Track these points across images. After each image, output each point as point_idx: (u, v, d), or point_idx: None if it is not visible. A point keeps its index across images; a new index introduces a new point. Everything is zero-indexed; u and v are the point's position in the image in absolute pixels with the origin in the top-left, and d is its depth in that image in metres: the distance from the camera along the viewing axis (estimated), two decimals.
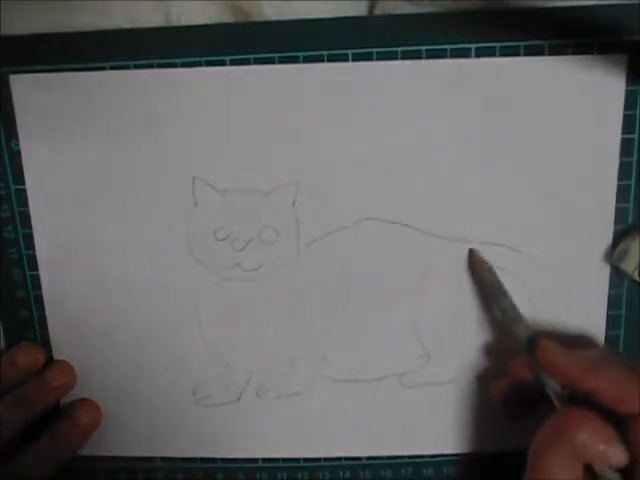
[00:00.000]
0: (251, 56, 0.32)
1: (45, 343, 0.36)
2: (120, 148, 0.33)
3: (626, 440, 0.27)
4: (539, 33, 0.31)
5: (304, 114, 0.33)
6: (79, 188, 0.34)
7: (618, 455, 0.27)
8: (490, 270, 0.33)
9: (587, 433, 0.27)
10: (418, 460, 0.37)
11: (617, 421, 0.27)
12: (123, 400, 0.37)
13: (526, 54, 0.32)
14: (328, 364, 0.35)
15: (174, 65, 0.32)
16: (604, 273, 0.34)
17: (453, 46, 0.32)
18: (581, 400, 0.28)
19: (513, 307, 0.32)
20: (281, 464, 0.37)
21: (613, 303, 0.34)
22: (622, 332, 0.35)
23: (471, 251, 0.33)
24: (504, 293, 0.32)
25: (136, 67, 0.32)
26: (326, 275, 0.34)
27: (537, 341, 0.30)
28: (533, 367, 0.30)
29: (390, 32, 0.32)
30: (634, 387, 0.27)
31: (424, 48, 0.32)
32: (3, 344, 0.36)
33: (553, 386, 0.29)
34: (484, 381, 0.35)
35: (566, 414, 0.28)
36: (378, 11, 0.32)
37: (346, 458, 0.37)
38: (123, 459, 0.38)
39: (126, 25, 0.32)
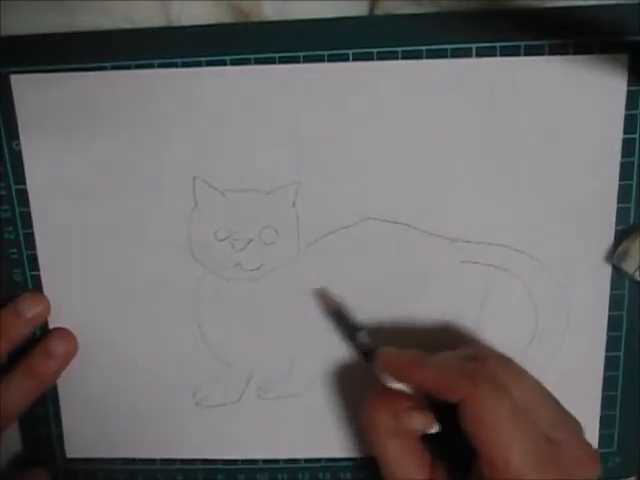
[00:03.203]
0: (251, 56, 0.32)
1: None
2: (121, 148, 0.34)
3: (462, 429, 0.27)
4: (539, 33, 0.31)
5: (304, 114, 0.33)
6: (80, 188, 0.34)
7: (416, 422, 0.28)
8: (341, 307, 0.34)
9: (380, 412, 0.29)
10: None
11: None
12: (123, 401, 0.37)
13: (526, 54, 0.32)
14: (328, 364, 0.35)
15: (174, 65, 0.32)
16: (605, 273, 0.34)
17: (453, 46, 0.32)
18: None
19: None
20: (281, 465, 0.37)
21: (614, 304, 0.34)
22: (624, 333, 0.35)
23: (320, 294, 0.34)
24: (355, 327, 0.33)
25: (136, 67, 0.32)
26: (326, 275, 0.34)
27: (375, 348, 0.31)
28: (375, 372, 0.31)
29: (390, 32, 0.32)
30: (452, 375, 0.27)
31: (424, 48, 0.32)
32: None
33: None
34: None
35: (364, 402, 0.30)
36: (378, 11, 0.32)
37: (347, 459, 0.37)
38: (123, 461, 0.38)
39: (126, 25, 0.32)
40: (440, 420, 0.29)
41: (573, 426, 0.28)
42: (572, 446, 0.27)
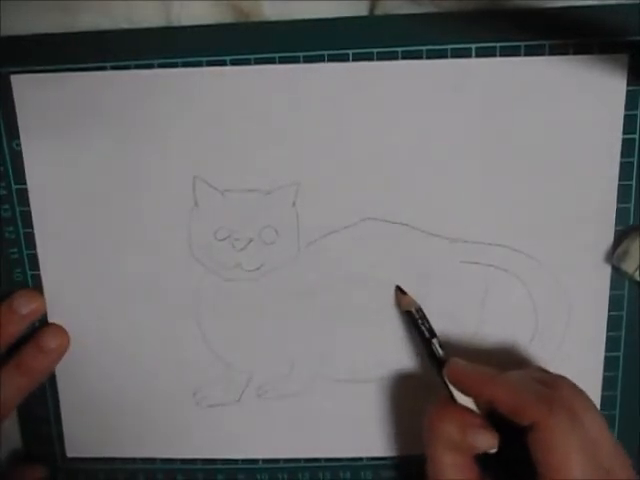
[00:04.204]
0: (251, 56, 0.32)
1: None
2: (121, 148, 0.34)
3: (530, 452, 0.27)
4: (539, 33, 0.31)
5: (304, 114, 0.33)
6: (80, 188, 0.34)
7: (481, 441, 0.29)
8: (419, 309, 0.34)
9: (447, 423, 0.29)
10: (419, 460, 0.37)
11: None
12: (123, 401, 0.37)
13: (526, 54, 0.32)
14: (328, 364, 0.35)
15: (174, 65, 0.32)
16: (605, 274, 0.34)
17: (453, 46, 0.32)
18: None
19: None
20: (281, 465, 0.37)
21: (614, 304, 0.34)
22: (623, 333, 0.35)
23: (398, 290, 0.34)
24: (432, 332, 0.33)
25: (137, 67, 0.32)
26: (326, 275, 0.34)
27: (447, 359, 0.32)
28: (446, 385, 0.31)
29: (390, 32, 0.32)
30: (529, 398, 0.27)
31: (424, 48, 0.32)
32: None
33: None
34: None
35: (430, 410, 0.30)
36: (378, 11, 0.32)
37: (347, 459, 0.37)
38: (123, 460, 0.38)
39: (126, 25, 0.32)
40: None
41: (628, 464, 0.28)
42: (624, 475, 0.27)
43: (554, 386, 0.29)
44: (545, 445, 0.26)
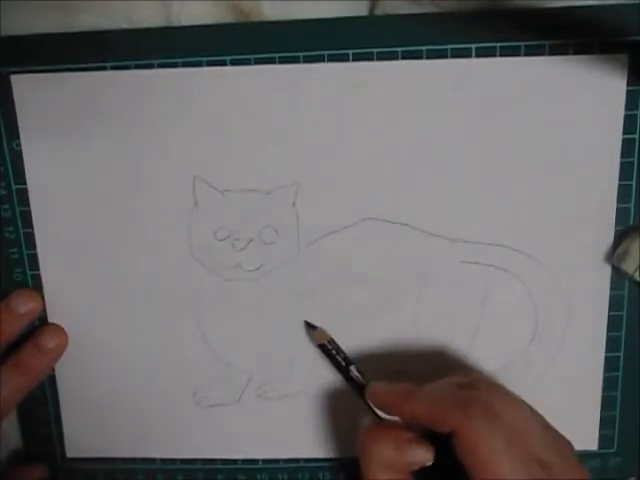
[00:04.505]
0: (251, 56, 0.32)
1: None
2: (121, 148, 0.34)
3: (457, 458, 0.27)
4: (539, 33, 0.31)
5: (304, 114, 0.33)
6: (80, 188, 0.34)
7: (417, 455, 0.28)
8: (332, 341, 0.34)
9: (381, 443, 0.29)
10: None
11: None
12: (123, 401, 0.37)
13: (526, 54, 0.32)
14: (328, 364, 0.35)
15: (174, 65, 0.32)
16: (605, 274, 0.34)
17: (453, 46, 0.32)
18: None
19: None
20: (281, 465, 0.37)
21: (614, 304, 0.34)
22: (623, 333, 0.35)
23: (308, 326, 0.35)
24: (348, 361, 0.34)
25: (137, 67, 0.32)
26: (326, 275, 0.34)
27: (367, 384, 0.32)
28: (371, 408, 0.32)
29: (390, 32, 0.32)
30: (444, 405, 0.27)
31: (424, 48, 0.32)
32: None
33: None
34: None
35: (362, 432, 0.30)
36: (378, 11, 0.32)
37: (346, 459, 0.37)
38: (123, 461, 0.38)
39: (126, 25, 0.32)
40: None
41: (564, 447, 0.28)
42: (564, 468, 0.27)
43: (471, 387, 0.28)
44: (468, 448, 0.26)
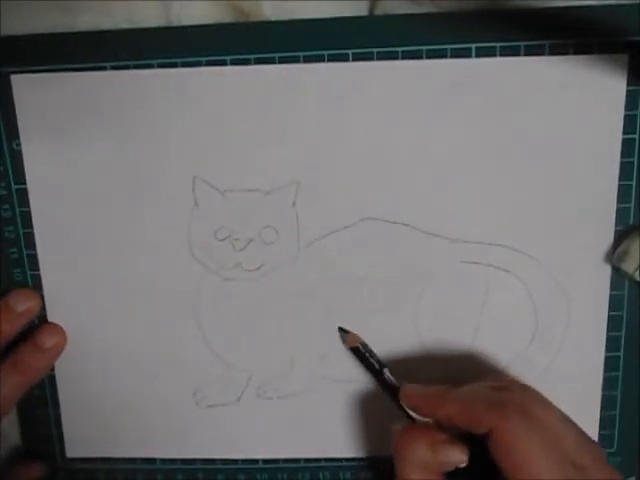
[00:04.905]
0: (251, 56, 0.32)
1: None
2: (121, 148, 0.34)
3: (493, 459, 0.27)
4: (539, 33, 0.31)
5: (304, 114, 0.33)
6: (80, 188, 0.34)
7: (452, 456, 0.29)
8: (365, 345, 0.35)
9: (416, 444, 0.29)
10: None
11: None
12: (123, 401, 0.37)
13: (526, 54, 0.32)
14: (328, 364, 0.35)
15: (174, 65, 0.32)
16: (605, 274, 0.34)
17: (453, 46, 0.32)
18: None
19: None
20: (281, 465, 0.37)
21: (614, 304, 0.34)
22: (623, 333, 0.35)
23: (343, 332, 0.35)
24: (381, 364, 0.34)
25: (136, 67, 0.32)
26: (326, 275, 0.34)
27: (400, 387, 0.33)
28: (404, 411, 0.32)
29: (390, 32, 0.32)
30: (480, 406, 0.28)
31: (424, 48, 0.32)
32: None
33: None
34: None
35: (396, 433, 0.30)
36: (378, 11, 0.32)
37: (346, 459, 0.37)
38: (123, 461, 0.38)
39: (126, 25, 0.32)
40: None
41: (596, 450, 0.28)
42: (598, 471, 0.27)
43: (505, 389, 0.29)
44: (504, 448, 0.26)
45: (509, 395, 0.28)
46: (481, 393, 0.29)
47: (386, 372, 0.34)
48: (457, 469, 0.29)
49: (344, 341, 0.35)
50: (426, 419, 0.30)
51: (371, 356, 0.34)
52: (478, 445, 0.28)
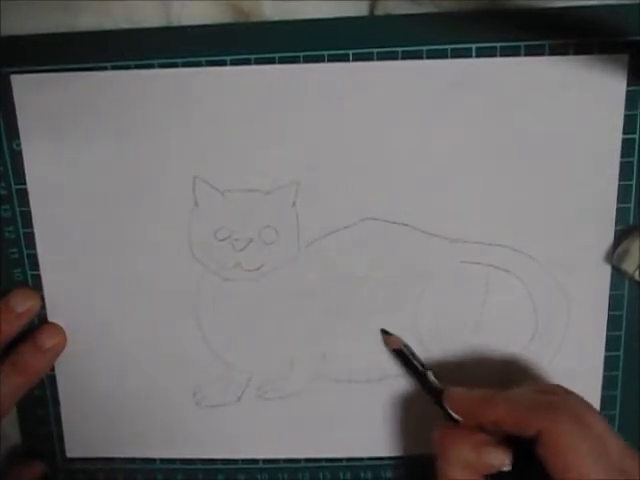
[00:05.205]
0: (251, 56, 0.32)
1: None
2: (121, 148, 0.34)
3: (541, 463, 0.27)
4: (539, 33, 0.31)
5: (304, 114, 0.33)
6: (80, 188, 0.34)
7: (495, 458, 0.29)
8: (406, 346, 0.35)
9: (460, 445, 0.29)
10: (420, 460, 0.37)
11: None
12: (123, 401, 0.37)
13: (527, 54, 0.32)
14: (328, 364, 0.35)
15: (175, 65, 0.32)
16: (605, 273, 0.34)
17: (454, 46, 0.32)
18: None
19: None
20: (281, 465, 0.37)
21: (614, 304, 0.34)
22: (623, 333, 0.35)
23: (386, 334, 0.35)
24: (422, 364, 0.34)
25: (137, 67, 0.32)
26: (326, 275, 0.34)
27: (444, 390, 0.32)
28: (448, 414, 0.32)
29: (391, 32, 0.32)
30: (530, 409, 0.28)
31: (425, 48, 0.32)
32: None
33: None
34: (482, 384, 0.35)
35: (439, 433, 0.31)
36: (379, 11, 0.32)
37: (347, 459, 0.37)
38: (123, 460, 0.38)
39: (126, 25, 0.32)
40: None
41: (638, 458, 0.28)
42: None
43: (552, 393, 0.29)
44: (554, 451, 0.26)
45: (558, 399, 0.29)
46: (529, 396, 0.29)
47: (430, 374, 0.33)
48: (498, 472, 0.29)
49: (386, 343, 0.35)
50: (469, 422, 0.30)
51: (414, 358, 0.34)
52: (520, 450, 0.28)
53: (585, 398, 0.29)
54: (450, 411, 0.31)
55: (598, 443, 0.27)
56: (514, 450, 0.29)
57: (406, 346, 0.34)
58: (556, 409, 0.27)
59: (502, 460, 0.29)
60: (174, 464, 0.38)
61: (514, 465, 0.29)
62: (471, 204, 0.33)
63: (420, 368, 0.34)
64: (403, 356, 0.34)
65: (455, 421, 0.31)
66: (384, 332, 0.35)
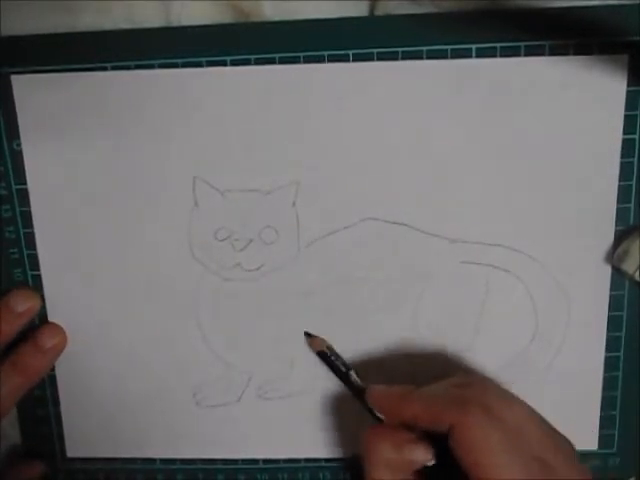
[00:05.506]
0: (251, 56, 0.32)
1: None
2: (121, 148, 0.34)
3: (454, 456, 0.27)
4: (539, 33, 0.31)
5: (304, 114, 0.33)
6: (80, 188, 0.34)
7: (418, 454, 0.28)
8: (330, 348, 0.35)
9: (382, 444, 0.29)
10: None
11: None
12: (123, 401, 0.37)
13: (527, 54, 0.32)
14: None
15: (175, 65, 0.32)
16: (605, 274, 0.34)
17: (454, 46, 0.32)
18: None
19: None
20: (281, 465, 0.37)
21: (614, 304, 0.34)
22: (624, 333, 0.35)
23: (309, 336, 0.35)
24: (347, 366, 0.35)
25: (137, 67, 0.32)
26: (326, 275, 0.34)
27: (366, 387, 0.33)
28: (371, 411, 0.32)
29: (391, 32, 0.32)
30: (441, 404, 0.28)
31: (425, 48, 0.32)
32: None
33: None
34: None
35: (364, 434, 0.30)
36: (379, 11, 0.32)
37: (346, 459, 0.37)
38: (123, 460, 0.38)
39: (126, 25, 0.32)
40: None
41: (565, 448, 0.28)
42: (566, 469, 0.26)
43: (467, 386, 0.29)
44: (465, 445, 0.26)
45: (469, 391, 0.28)
46: (442, 391, 0.29)
47: (352, 374, 0.34)
48: (428, 468, 0.29)
49: (310, 345, 0.35)
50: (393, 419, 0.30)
51: (337, 359, 0.34)
52: (445, 444, 0.27)
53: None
54: (373, 409, 0.31)
55: (512, 436, 0.26)
56: (443, 445, 0.28)
57: (329, 347, 0.35)
58: (467, 402, 0.27)
59: (424, 456, 0.28)
60: (174, 464, 0.38)
61: (444, 459, 0.28)
62: (471, 204, 0.33)
63: (342, 369, 0.34)
64: (326, 358, 0.35)
65: (380, 420, 0.31)
66: (307, 334, 0.35)
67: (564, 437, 0.28)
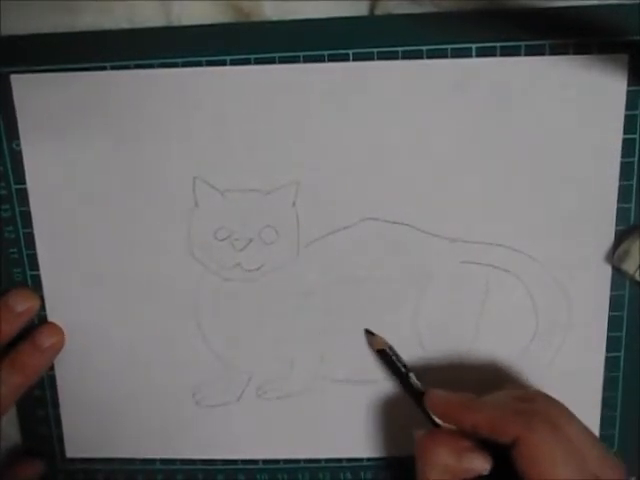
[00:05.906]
0: (251, 56, 0.32)
1: None
2: (121, 148, 0.34)
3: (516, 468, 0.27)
4: (539, 33, 0.31)
5: (304, 114, 0.33)
6: (80, 188, 0.34)
7: (475, 463, 0.29)
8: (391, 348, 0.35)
9: (440, 449, 0.29)
10: None
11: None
12: (122, 401, 0.37)
13: (527, 54, 0.32)
14: (328, 364, 0.35)
15: (175, 65, 0.32)
16: (605, 274, 0.34)
17: (454, 46, 0.32)
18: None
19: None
20: (281, 465, 0.37)
21: (615, 304, 0.34)
22: (624, 333, 0.34)
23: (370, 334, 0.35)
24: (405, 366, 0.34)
25: (137, 67, 0.32)
26: (326, 275, 0.34)
27: (425, 391, 0.33)
28: (429, 415, 0.32)
29: (391, 32, 0.32)
30: (507, 415, 0.28)
31: (425, 48, 0.32)
32: None
33: None
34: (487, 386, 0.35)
35: (421, 437, 0.31)
36: (379, 11, 0.32)
37: (347, 459, 0.37)
38: (123, 461, 0.38)
39: (126, 25, 0.32)
40: None
41: (618, 467, 0.28)
42: None
43: (531, 400, 0.29)
44: (529, 458, 0.26)
45: (535, 406, 0.28)
46: (507, 403, 0.29)
47: (412, 376, 0.34)
48: (479, 477, 0.29)
49: (370, 343, 0.35)
50: (449, 426, 0.30)
51: (398, 359, 0.34)
52: (500, 454, 0.28)
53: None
54: (430, 413, 0.31)
55: (574, 452, 0.27)
56: (496, 455, 0.28)
57: (390, 347, 0.34)
58: (533, 417, 0.27)
59: (481, 465, 0.29)
60: (174, 464, 0.38)
61: (495, 470, 0.29)
62: (471, 204, 0.33)
63: (403, 370, 0.34)
64: (386, 357, 0.34)
65: (436, 424, 0.31)
66: (368, 332, 0.35)
67: (614, 456, 0.29)
